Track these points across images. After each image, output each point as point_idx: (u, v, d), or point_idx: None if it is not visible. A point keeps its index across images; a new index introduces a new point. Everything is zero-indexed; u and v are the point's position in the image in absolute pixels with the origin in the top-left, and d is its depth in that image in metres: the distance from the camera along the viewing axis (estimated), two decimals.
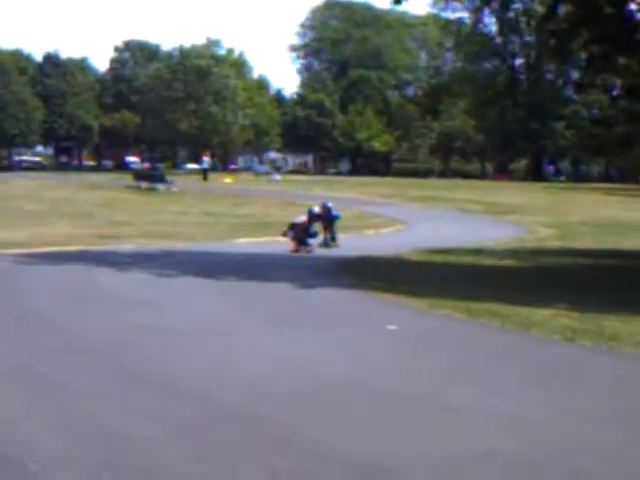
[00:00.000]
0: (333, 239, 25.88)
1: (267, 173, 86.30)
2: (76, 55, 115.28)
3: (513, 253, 25.37)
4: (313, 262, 20.25)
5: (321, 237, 25.28)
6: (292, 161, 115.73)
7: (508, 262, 22.64)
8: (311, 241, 23.72)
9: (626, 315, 12.42)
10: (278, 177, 76.09)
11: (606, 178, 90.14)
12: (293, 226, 23.78)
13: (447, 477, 5.40)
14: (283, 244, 23.89)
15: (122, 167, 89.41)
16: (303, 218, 24.29)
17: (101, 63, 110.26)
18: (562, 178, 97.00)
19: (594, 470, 5.59)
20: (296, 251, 22.94)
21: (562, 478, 5.44)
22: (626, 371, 9.14)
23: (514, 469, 5.55)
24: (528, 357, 9.91)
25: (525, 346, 10.49)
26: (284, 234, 24.05)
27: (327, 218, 25.73)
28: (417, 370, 8.93)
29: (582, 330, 11.07)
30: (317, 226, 24.92)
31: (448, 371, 8.98)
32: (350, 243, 27.06)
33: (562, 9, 20.75)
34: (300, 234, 23.47)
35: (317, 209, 25.53)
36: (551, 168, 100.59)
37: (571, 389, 8.26)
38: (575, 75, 23.50)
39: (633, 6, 20.20)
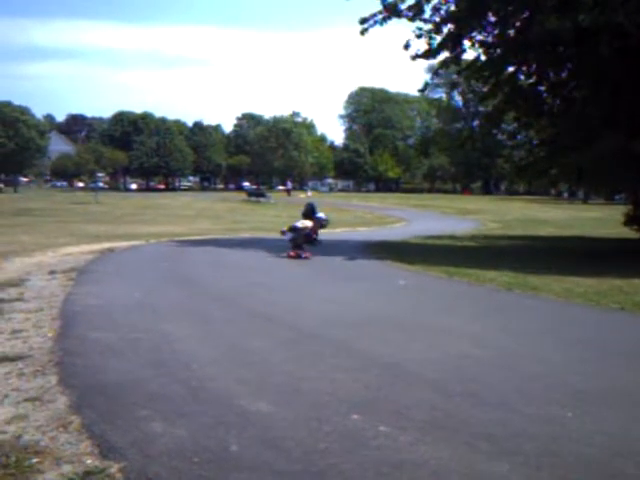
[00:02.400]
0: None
1: (324, 192, 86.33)
2: (213, 122, 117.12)
3: (473, 238, 25.07)
4: (350, 244, 20.04)
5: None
6: (340, 184, 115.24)
7: (470, 243, 22.39)
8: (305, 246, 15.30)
9: (541, 274, 12.23)
10: (310, 193, 72.39)
11: (528, 192, 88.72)
12: (292, 229, 15.29)
13: (439, 371, 5.35)
14: (336, 233, 23.72)
15: (240, 189, 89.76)
16: (306, 224, 15.75)
17: (228, 127, 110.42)
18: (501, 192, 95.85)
19: (520, 365, 5.53)
20: (294, 256, 14.70)
21: (502, 368, 5.37)
22: (539, 306, 9.01)
23: (479, 364, 5.50)
24: (485, 299, 9.79)
25: (482, 293, 10.35)
26: (282, 233, 15.83)
27: (311, 216, 16.91)
28: (418, 308, 8.88)
29: (515, 284, 10.92)
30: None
31: (435, 308, 8.92)
32: (375, 233, 26.93)
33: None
34: (299, 240, 15.10)
35: (323, 215, 17.18)
36: (502, 188, 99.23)
37: (510, 318, 8.16)
38: (509, 129, 23.28)
39: (542, 87, 19.55)
